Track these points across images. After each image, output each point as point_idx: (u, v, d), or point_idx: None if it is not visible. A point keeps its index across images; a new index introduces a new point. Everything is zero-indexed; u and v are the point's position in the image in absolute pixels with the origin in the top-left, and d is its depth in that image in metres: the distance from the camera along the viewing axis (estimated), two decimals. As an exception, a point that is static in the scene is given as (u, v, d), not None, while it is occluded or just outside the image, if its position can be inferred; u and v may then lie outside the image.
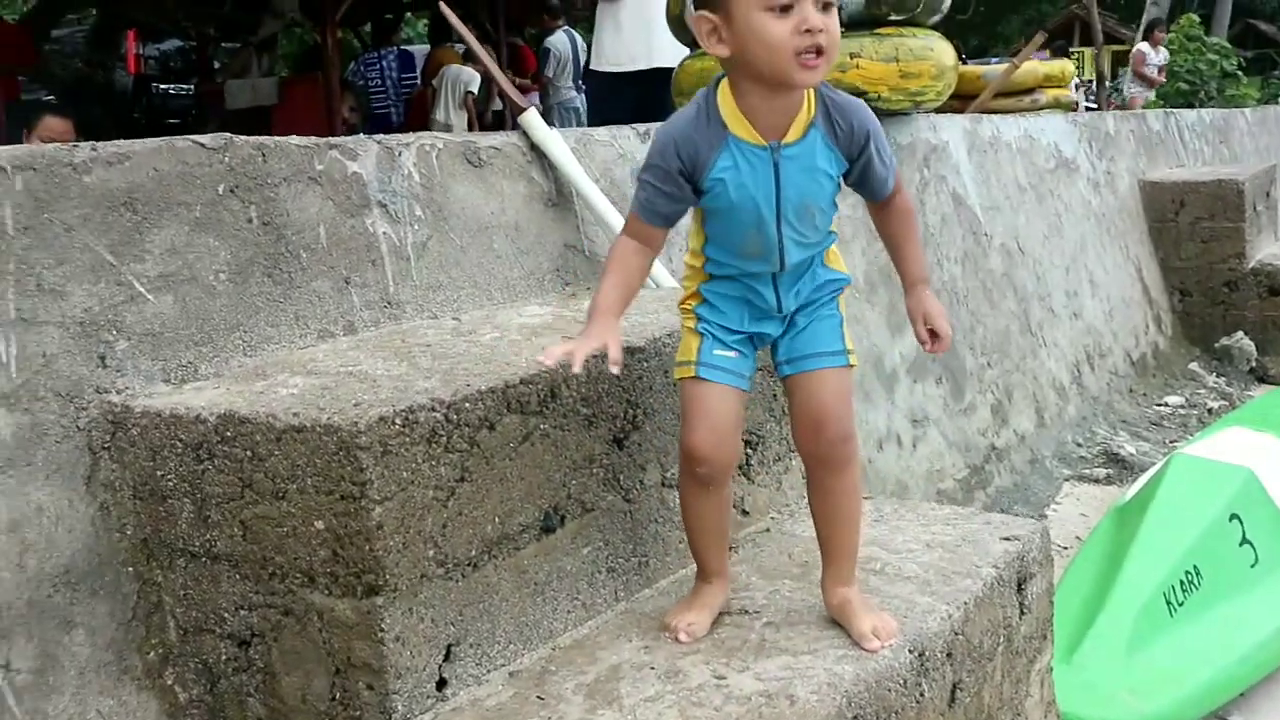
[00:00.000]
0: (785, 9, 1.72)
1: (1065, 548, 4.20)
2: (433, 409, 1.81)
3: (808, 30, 1.72)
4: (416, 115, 11.31)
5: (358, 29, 14.34)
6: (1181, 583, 3.29)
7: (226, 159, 2.19)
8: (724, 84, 1.85)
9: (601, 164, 3.13)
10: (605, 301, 1.85)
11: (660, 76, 5.23)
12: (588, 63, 6.61)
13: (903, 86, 4.05)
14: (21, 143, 5.46)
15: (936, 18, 4.26)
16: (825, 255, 2.00)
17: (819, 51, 1.74)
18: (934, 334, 2.04)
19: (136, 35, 14.73)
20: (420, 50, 13.21)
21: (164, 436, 1.89)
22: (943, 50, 4.17)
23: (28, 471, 1.83)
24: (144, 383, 2.01)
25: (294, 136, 2.34)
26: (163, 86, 14.79)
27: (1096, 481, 4.87)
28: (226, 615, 1.89)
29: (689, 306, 1.97)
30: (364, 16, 14.02)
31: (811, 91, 1.84)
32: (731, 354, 1.93)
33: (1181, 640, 3.15)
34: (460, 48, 12.38)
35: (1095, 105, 13.30)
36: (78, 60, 12.05)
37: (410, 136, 2.59)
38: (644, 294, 2.22)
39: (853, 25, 4.02)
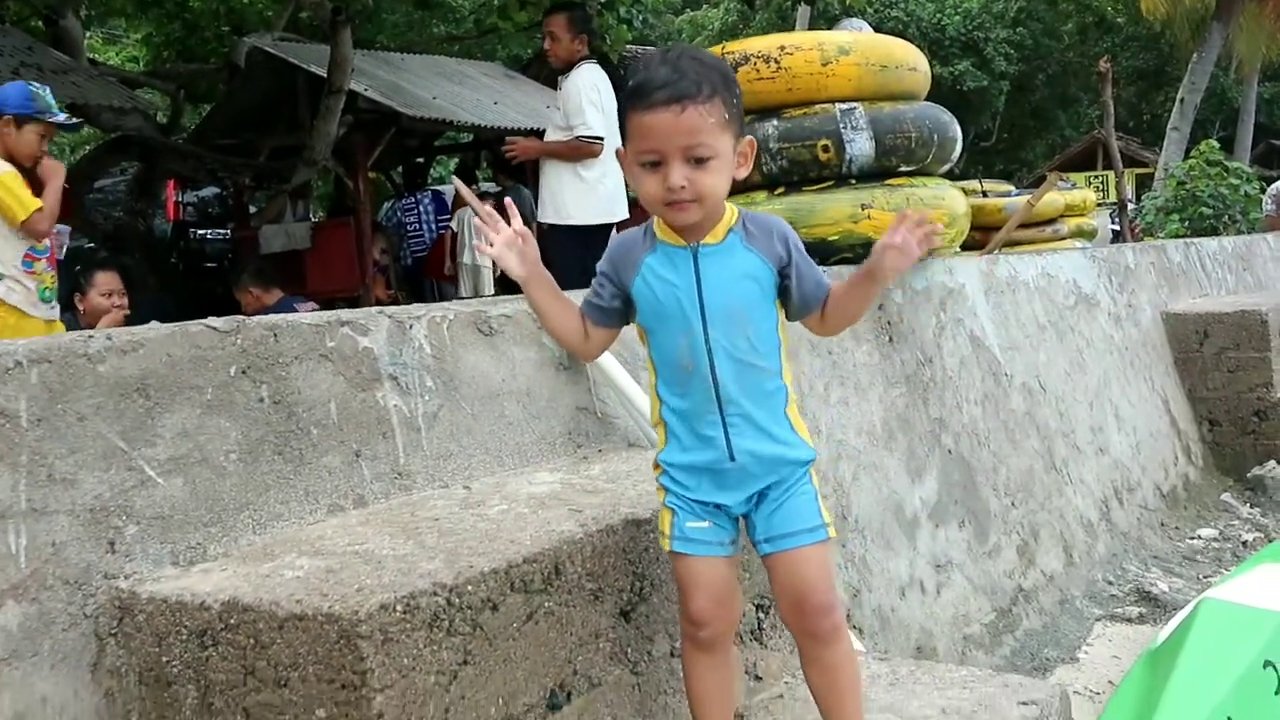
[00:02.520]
0: (656, 164, 1.88)
1: (1097, 693, 4.10)
2: (435, 593, 1.82)
3: (669, 187, 1.87)
4: (435, 260, 11.55)
5: (389, 173, 14.72)
6: (1216, 737, 3.20)
7: (239, 341, 2.24)
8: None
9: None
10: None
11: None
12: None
13: (914, 235, 4.11)
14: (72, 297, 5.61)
15: (946, 167, 4.34)
16: (789, 416, 2.00)
17: (679, 203, 1.89)
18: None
19: (176, 184, 15.19)
20: (450, 191, 13.54)
21: (169, 623, 1.91)
22: (953, 198, 4.24)
23: (33, 662, 1.85)
24: (152, 566, 2.03)
25: (305, 315, 2.40)
26: (200, 232, 15.20)
27: (1129, 621, 4.76)
28: (230, 805, 1.88)
29: (657, 475, 2.05)
30: (395, 161, 14.42)
31: (731, 207, 1.99)
32: (704, 524, 1.98)
33: (1218, 799, 3.05)
34: (486, 190, 12.69)
35: (1119, 229, 13.38)
36: (119, 209, 12.42)
37: (421, 308, 2.65)
38: (647, 464, 2.23)
39: (864, 177, 4.11)
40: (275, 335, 2.31)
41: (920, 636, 4.00)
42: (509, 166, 11.19)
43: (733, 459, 1.95)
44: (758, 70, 4.04)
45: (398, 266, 12.16)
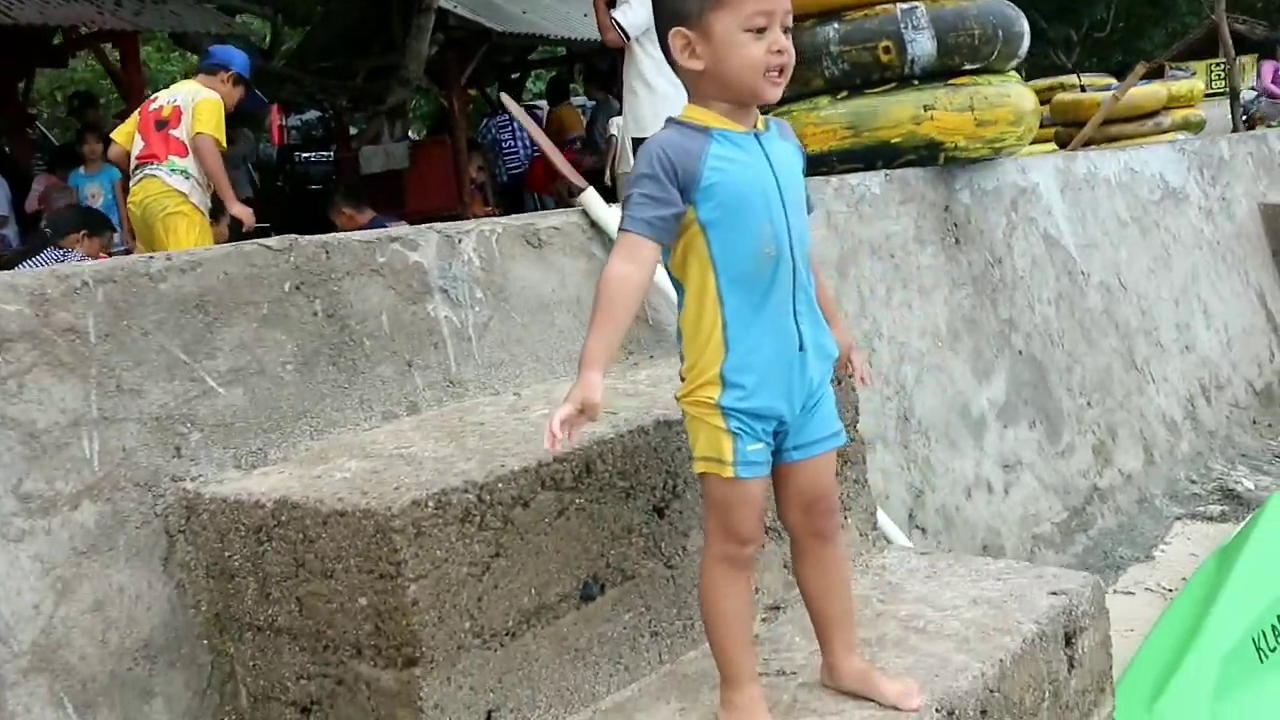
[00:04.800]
0: (760, 31, 1.87)
1: (1170, 590, 4.12)
2: (466, 490, 1.95)
3: (778, 50, 1.88)
4: (535, 174, 11.62)
5: (485, 90, 14.82)
6: (1274, 628, 3.22)
7: (292, 259, 2.38)
8: (688, 106, 1.98)
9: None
10: (592, 352, 1.87)
11: None
12: None
13: (979, 134, 4.08)
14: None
15: (1014, 62, 4.27)
16: (819, 301, 2.04)
17: (781, 70, 1.90)
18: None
19: (279, 109, 15.52)
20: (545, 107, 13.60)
21: (229, 520, 2.07)
22: (1020, 95, 4.18)
23: (110, 555, 2.03)
24: (216, 470, 2.20)
25: (356, 233, 2.52)
26: (304, 155, 15.56)
27: (1210, 519, 4.75)
28: (289, 684, 2.06)
29: (709, 399, 1.94)
30: (492, 77, 14.52)
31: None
32: (760, 445, 1.94)
33: (1271, 690, 3.08)
34: (577, 104, 12.72)
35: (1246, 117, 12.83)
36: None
37: (470, 224, 2.76)
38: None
39: (926, 77, 4.07)
40: (327, 252, 2.44)
41: (987, 535, 4.05)
42: (601, 78, 11.23)
43: (801, 348, 1.94)
44: (817, -28, 4.03)
45: (494, 183, 12.31)
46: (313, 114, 16.54)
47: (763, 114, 2.03)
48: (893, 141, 4.05)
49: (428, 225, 2.67)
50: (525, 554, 2.02)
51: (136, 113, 5.94)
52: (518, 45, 13.07)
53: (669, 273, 2.02)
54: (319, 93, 12.14)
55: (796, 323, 1.96)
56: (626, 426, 2.25)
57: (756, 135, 1.96)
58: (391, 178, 12.06)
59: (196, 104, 5.67)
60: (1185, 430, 5.20)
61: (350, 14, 12.06)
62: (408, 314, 2.57)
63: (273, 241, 2.37)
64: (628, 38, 5.74)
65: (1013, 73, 4.30)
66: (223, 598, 2.12)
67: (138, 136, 5.73)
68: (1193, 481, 5.02)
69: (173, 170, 5.63)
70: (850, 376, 2.22)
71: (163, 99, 5.85)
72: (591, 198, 3.02)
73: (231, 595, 2.10)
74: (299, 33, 14.77)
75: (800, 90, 4.25)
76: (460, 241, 2.70)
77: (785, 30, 1.91)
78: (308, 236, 2.43)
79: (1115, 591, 4.14)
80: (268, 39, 13.84)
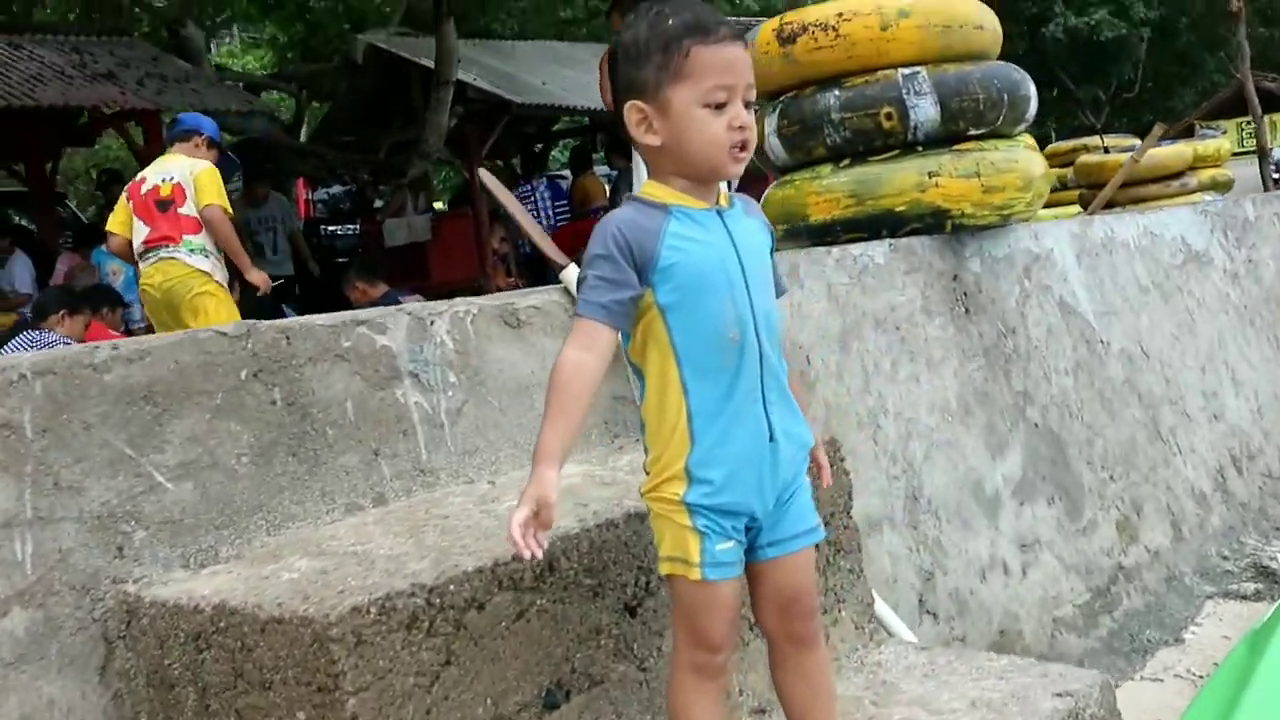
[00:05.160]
0: (720, 106, 1.78)
1: (1201, 676, 3.91)
2: (412, 594, 1.82)
3: (740, 126, 1.78)
4: (558, 245, 11.58)
5: (509, 161, 14.89)
6: (1308, 723, 3.01)
7: (250, 345, 2.28)
8: (647, 182, 1.88)
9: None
10: (545, 447, 1.75)
11: None
12: None
13: (987, 201, 3.96)
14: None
15: (1022, 126, 4.16)
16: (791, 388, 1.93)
17: (744, 146, 1.81)
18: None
19: (305, 182, 15.64)
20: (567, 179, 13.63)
21: (169, 626, 1.96)
22: (1028, 160, 4.06)
23: (40, 665, 1.91)
24: (162, 570, 2.09)
25: (320, 316, 2.43)
26: (331, 228, 15.64)
27: (1244, 598, 4.53)
28: (230, 803, 1.92)
29: (674, 495, 1.81)
30: (514, 148, 14.59)
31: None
32: (731, 544, 1.82)
33: (1306, 788, 2.87)
34: (600, 174, 12.74)
35: None
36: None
37: (444, 304, 2.66)
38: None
39: (930, 143, 3.97)
40: (288, 338, 2.34)
41: (1004, 620, 3.87)
42: (623, 147, 11.22)
43: (772, 438, 1.82)
44: (816, 40, 3.94)
45: (517, 253, 12.29)
46: (339, 188, 16.66)
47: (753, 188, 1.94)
48: (897, 209, 3.93)
49: (397, 308, 2.57)
50: (480, 661, 1.89)
51: (124, 198, 5.81)
52: (539, 116, 13.12)
53: (628, 359, 1.91)
54: (341, 167, 12.22)
55: (767, 411, 1.83)
56: (595, 520, 2.12)
57: (719, 212, 1.85)
58: (415, 250, 12.07)
59: (196, 176, 5.60)
60: (1215, 503, 5.00)
61: (371, 89, 12.16)
62: (374, 400, 2.46)
63: (229, 328, 2.27)
64: None
65: (1023, 136, 4.19)
66: (163, 709, 1.99)
67: (138, 221, 5.64)
68: (1224, 558, 4.81)
69: (191, 250, 5.58)
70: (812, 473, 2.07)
71: (152, 178, 5.76)
72: (573, 274, 2.92)
73: (171, 706, 1.98)
74: (322, 108, 14.94)
75: (803, 159, 4.15)
76: (432, 323, 2.60)
77: (747, 104, 1.81)
78: (267, 322, 2.34)
79: (1142, 678, 3.93)
80: (291, 114, 13.98)
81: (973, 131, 3.97)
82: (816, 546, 1.98)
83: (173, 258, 5.57)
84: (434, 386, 2.57)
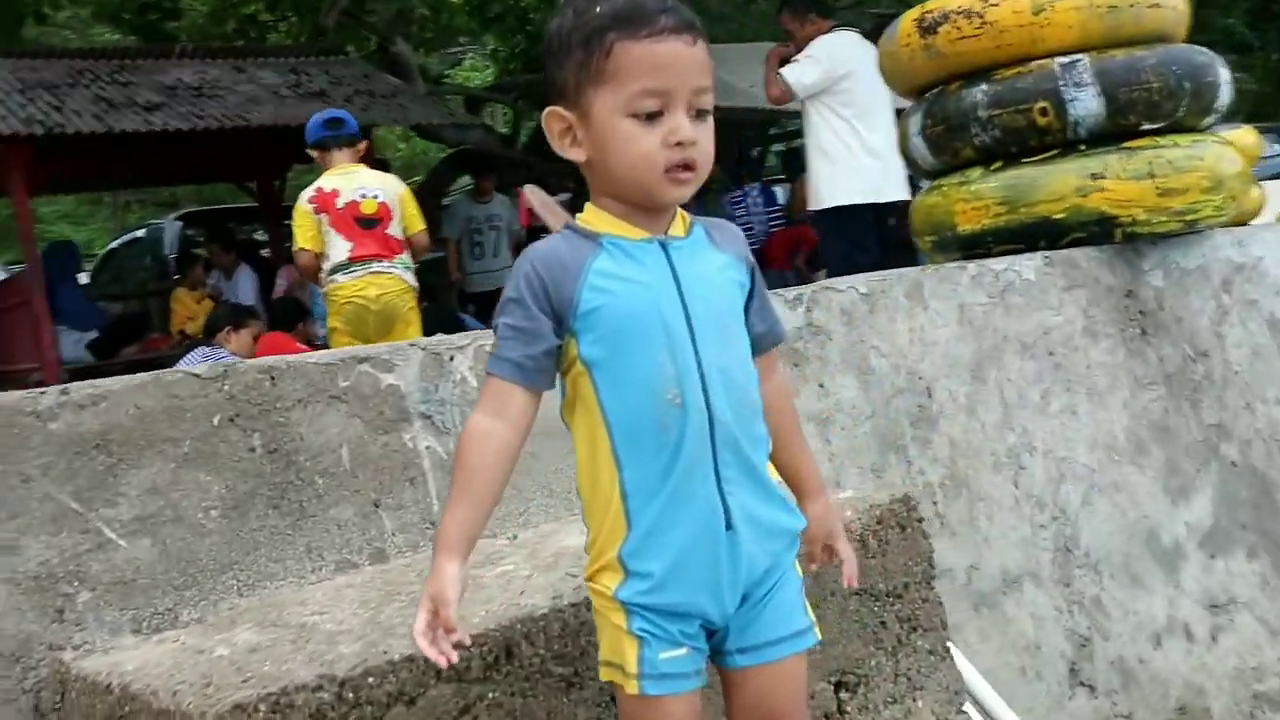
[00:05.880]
0: (653, 117, 1.43)
1: None
2: (318, 688, 1.56)
3: (678, 143, 1.43)
4: (776, 250, 11.20)
5: (725, 165, 14.60)
6: None
7: (226, 387, 2.08)
8: (586, 207, 1.55)
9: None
10: (444, 535, 1.44)
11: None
12: None
13: (1164, 205, 3.40)
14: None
15: (1211, 118, 3.57)
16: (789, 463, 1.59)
17: (688, 166, 1.45)
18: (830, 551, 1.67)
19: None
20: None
21: (89, 704, 1.77)
22: (1218, 156, 3.48)
23: (-47, 743, 1.76)
24: (109, 635, 1.91)
25: (312, 355, 2.21)
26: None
27: None
28: None
29: (606, 589, 1.49)
30: (730, 152, 14.28)
31: (680, 210, 1.53)
32: (681, 651, 1.47)
33: None
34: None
35: None
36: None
37: (466, 337, 2.40)
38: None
39: (1094, 141, 3.44)
40: (272, 378, 2.13)
41: (1185, 694, 3.31)
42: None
43: (729, 526, 1.46)
44: (959, 29, 3.46)
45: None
46: (563, 195, 16.80)
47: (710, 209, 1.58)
48: (1054, 217, 3.42)
49: (409, 343, 2.32)
50: (404, 768, 1.61)
51: (310, 211, 5.70)
52: (756, 120, 12.75)
53: (562, 419, 1.59)
54: (550, 176, 12.20)
55: (721, 491, 1.47)
56: (572, 597, 1.81)
57: (663, 244, 1.50)
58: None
59: (402, 198, 5.59)
60: None
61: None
62: (376, 446, 2.22)
63: (201, 369, 2.08)
64: (794, 96, 5.34)
65: (1214, 130, 3.60)
66: (87, 794, 1.81)
67: (335, 235, 5.53)
68: None
69: (406, 268, 5.59)
70: (818, 567, 1.69)
71: (349, 193, 5.59)
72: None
73: (92, 792, 1.79)
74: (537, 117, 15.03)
75: (950, 162, 3.69)
76: (451, 359, 2.34)
77: (696, 113, 1.45)
78: (248, 361, 2.13)
79: (1356, 771, 3.30)
80: (510, 125, 14.13)
81: (1146, 126, 3.42)
82: (818, 649, 1.61)
83: (389, 272, 5.55)
84: (450, 429, 2.31)
